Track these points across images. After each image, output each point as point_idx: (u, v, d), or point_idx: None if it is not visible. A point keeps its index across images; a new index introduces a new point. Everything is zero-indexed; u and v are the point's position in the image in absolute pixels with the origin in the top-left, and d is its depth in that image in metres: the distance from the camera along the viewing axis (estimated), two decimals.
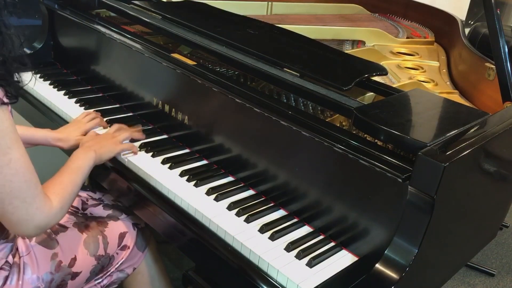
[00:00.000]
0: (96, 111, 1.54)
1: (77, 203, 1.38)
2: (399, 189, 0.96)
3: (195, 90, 1.35)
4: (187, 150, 1.39)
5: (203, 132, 1.35)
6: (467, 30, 2.26)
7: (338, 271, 1.01)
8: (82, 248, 1.22)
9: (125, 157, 1.31)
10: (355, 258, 1.06)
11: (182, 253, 1.29)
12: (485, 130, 1.10)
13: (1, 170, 0.90)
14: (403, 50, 1.87)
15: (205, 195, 1.20)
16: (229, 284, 1.07)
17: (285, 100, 1.36)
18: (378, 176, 0.99)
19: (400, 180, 0.96)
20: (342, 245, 1.09)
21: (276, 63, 1.35)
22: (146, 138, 1.42)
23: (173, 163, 1.30)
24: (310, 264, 1.01)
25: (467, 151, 0.99)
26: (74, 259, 1.19)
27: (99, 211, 1.37)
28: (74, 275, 1.20)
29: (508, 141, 1.22)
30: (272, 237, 1.08)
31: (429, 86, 1.56)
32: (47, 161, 1.53)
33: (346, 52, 1.58)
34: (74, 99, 1.63)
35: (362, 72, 1.31)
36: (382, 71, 1.35)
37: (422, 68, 1.73)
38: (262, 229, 1.10)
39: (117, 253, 1.30)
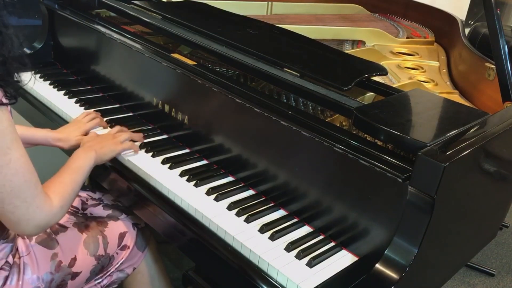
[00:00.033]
0: (96, 111, 1.54)
1: (77, 203, 1.38)
2: (399, 189, 0.96)
3: (195, 90, 1.35)
4: (187, 150, 1.39)
5: (203, 132, 1.35)
6: (467, 30, 2.26)
7: (338, 271, 1.01)
8: (82, 248, 1.22)
9: (125, 156, 1.31)
10: (355, 258, 1.06)
11: (182, 253, 1.29)
12: (485, 130, 1.10)
13: (1, 170, 0.90)
14: (403, 50, 1.87)
15: (205, 195, 1.20)
16: (229, 284, 1.07)
17: (285, 100, 1.36)
18: (378, 176, 0.99)
19: (400, 180, 0.96)
20: (342, 245, 1.09)
21: (276, 63, 1.35)
22: (146, 138, 1.42)
23: (173, 163, 1.30)
24: (310, 264, 1.01)
25: (467, 151, 0.99)
26: (74, 259, 1.19)
27: (99, 211, 1.37)
28: (74, 275, 1.20)
29: (508, 141, 1.22)
30: (272, 237, 1.08)
31: (429, 86, 1.56)
32: (47, 161, 1.53)
33: (346, 52, 1.58)
34: (74, 99, 1.63)
35: (362, 72, 1.31)
36: (382, 71, 1.35)
37: (422, 68, 1.73)
38: (262, 229, 1.10)
39: (117, 253, 1.30)
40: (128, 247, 1.32)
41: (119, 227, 1.31)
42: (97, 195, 1.45)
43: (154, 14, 1.71)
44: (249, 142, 1.24)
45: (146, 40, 1.56)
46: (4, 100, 0.89)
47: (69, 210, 1.32)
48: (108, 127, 1.47)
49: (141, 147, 1.37)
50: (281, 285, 0.98)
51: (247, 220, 1.12)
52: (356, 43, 1.82)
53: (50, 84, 1.73)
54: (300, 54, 1.43)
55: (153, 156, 1.33)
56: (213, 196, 1.19)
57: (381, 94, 1.29)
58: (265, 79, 1.38)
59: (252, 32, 1.56)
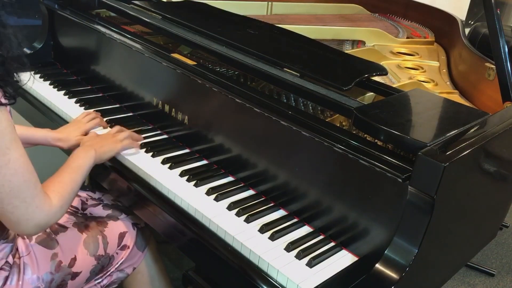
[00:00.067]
0: (96, 111, 1.54)
1: (76, 203, 1.38)
2: (399, 189, 0.96)
3: (195, 90, 1.35)
4: (187, 150, 1.39)
5: (203, 132, 1.35)
6: (467, 30, 2.26)
7: (338, 271, 1.01)
8: (82, 248, 1.22)
9: (125, 156, 1.31)
10: (355, 258, 1.06)
11: (182, 253, 1.29)
12: (485, 130, 1.09)
13: (0, 170, 0.90)
14: (403, 50, 1.87)
15: (205, 195, 1.20)
16: (229, 284, 1.07)
17: (285, 100, 1.36)
18: (378, 176, 0.99)
19: (400, 180, 0.96)
20: (342, 245, 1.09)
21: (276, 63, 1.35)
22: (146, 138, 1.42)
23: (173, 163, 1.30)
24: (310, 264, 1.01)
25: (467, 151, 0.99)
26: (74, 259, 1.19)
27: (99, 211, 1.37)
28: (74, 275, 1.20)
29: (508, 141, 1.22)
30: (272, 237, 1.08)
31: (429, 86, 1.56)
32: (47, 161, 1.53)
33: (346, 52, 1.58)
34: (74, 99, 1.63)
35: (362, 72, 1.31)
36: (382, 71, 1.35)
37: (422, 68, 1.73)
38: (262, 229, 1.10)
39: (117, 253, 1.30)
40: (128, 247, 1.32)
41: (119, 227, 1.31)
42: (97, 195, 1.45)
43: (154, 14, 1.71)
44: (249, 142, 1.24)
45: (146, 40, 1.56)
46: (3, 100, 0.89)
47: (69, 210, 1.32)
48: (108, 127, 1.47)
49: (141, 147, 1.37)
50: (281, 285, 0.98)
51: (247, 220, 1.12)
52: (356, 43, 1.82)
53: (50, 84, 1.73)
54: (300, 54, 1.43)
55: (153, 156, 1.33)
56: (213, 196, 1.19)
57: (381, 94, 1.28)
58: (265, 79, 1.38)
59: (252, 32, 1.56)
